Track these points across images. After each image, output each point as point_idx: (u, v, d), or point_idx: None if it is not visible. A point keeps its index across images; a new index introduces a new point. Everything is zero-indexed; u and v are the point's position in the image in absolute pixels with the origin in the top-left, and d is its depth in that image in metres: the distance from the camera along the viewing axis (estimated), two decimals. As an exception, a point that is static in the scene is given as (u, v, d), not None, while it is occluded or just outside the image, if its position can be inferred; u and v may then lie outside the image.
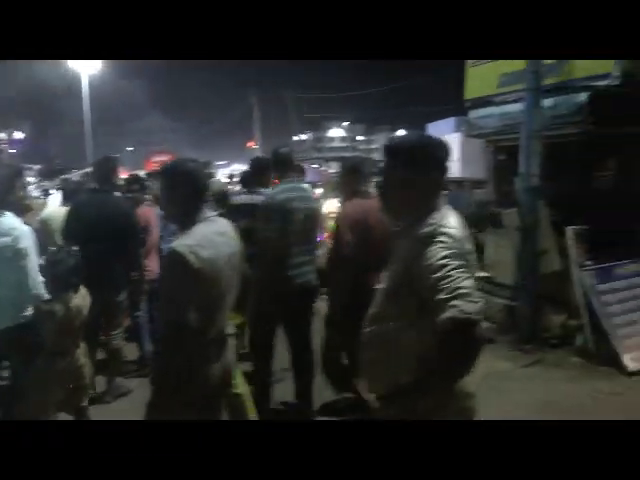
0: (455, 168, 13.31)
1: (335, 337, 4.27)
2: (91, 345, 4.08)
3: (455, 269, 1.85)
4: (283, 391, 4.64)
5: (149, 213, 5.62)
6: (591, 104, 6.06)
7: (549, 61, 6.38)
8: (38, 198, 9.79)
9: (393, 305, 2.11)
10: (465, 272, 1.87)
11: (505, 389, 4.99)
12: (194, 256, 2.39)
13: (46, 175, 17.28)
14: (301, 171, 8.82)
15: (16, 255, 3.57)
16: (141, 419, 2.52)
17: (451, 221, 2.06)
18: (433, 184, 2.14)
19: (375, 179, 4.02)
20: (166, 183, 2.72)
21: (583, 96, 6.16)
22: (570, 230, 5.97)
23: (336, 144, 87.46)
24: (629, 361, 5.43)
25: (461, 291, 1.80)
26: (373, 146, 72.19)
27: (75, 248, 3.70)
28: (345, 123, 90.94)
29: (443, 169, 2.17)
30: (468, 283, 1.84)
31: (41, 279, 3.68)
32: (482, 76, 7.92)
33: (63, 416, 3.75)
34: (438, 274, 1.85)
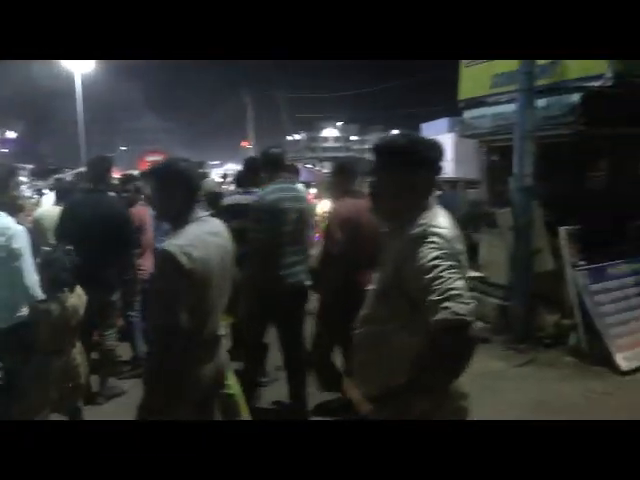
0: (449, 168, 13.39)
1: (325, 336, 4.28)
2: (85, 345, 4.07)
3: (446, 270, 1.83)
4: (277, 391, 4.64)
5: (143, 213, 5.61)
6: (584, 105, 6.09)
7: (542, 62, 6.41)
8: (31, 198, 9.75)
9: (384, 306, 2.10)
10: (456, 273, 1.85)
11: (499, 388, 5.00)
12: (186, 256, 2.38)
13: (39, 175, 17.21)
14: (295, 171, 8.82)
15: (10, 255, 3.55)
16: (135, 420, 2.52)
17: (442, 221, 2.04)
18: (423, 184, 2.12)
19: (366, 179, 4.03)
20: (158, 183, 2.70)
21: (576, 97, 6.19)
22: (563, 230, 6.00)
23: (330, 144, 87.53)
24: (622, 360, 5.46)
25: (453, 292, 1.78)
26: (367, 146, 72.06)
27: (69, 247, 3.68)
28: (339, 123, 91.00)
29: (433, 169, 2.15)
30: (460, 284, 1.82)
31: (36, 279, 3.67)
32: (476, 77, 7.94)
33: (56, 416, 3.74)
34: (429, 275, 1.83)
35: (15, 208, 4.51)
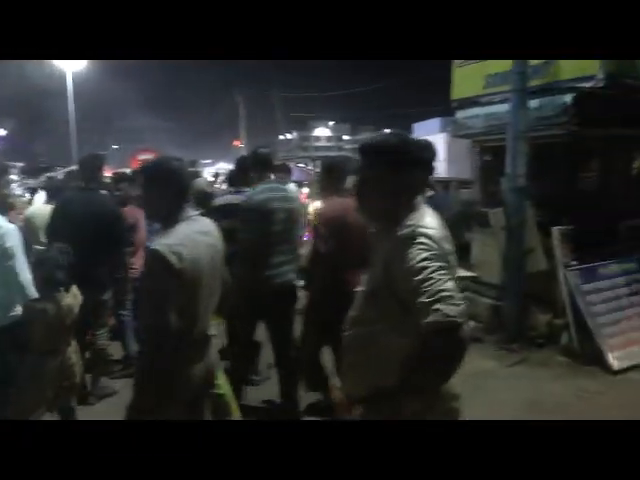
0: (441, 168, 13.39)
1: (312, 336, 4.27)
2: (79, 344, 4.04)
3: (436, 271, 1.82)
4: (269, 389, 4.64)
5: (136, 211, 5.58)
6: (576, 105, 6.10)
7: (535, 62, 6.43)
8: (22, 196, 9.70)
9: (373, 308, 2.08)
10: (446, 274, 1.84)
11: (491, 388, 5.02)
12: (175, 256, 2.37)
13: (30, 173, 17.12)
14: (287, 170, 8.81)
15: (3, 254, 3.53)
16: (126, 420, 2.50)
17: (430, 222, 2.03)
18: (410, 184, 2.10)
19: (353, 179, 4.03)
20: (148, 181, 2.68)
21: (568, 97, 6.20)
22: (556, 230, 6.02)
23: (322, 143, 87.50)
24: (613, 360, 5.49)
25: (443, 294, 1.77)
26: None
27: (64, 246, 3.66)
28: (331, 122, 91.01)
29: (420, 169, 2.14)
30: (450, 285, 1.81)
31: (30, 277, 3.65)
32: (468, 77, 7.94)
33: (49, 416, 3.72)
34: (419, 277, 1.82)
35: (6, 206, 4.49)
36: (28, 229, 5.34)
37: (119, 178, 6.38)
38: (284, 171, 8.70)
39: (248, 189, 4.68)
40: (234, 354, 4.29)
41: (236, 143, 41.76)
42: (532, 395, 4.93)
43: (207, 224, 2.73)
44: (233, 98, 38.31)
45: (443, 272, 1.84)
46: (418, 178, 2.13)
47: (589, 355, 5.63)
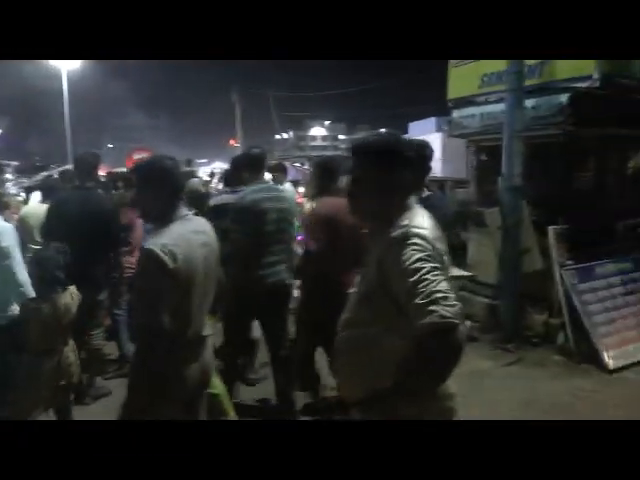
0: (436, 168, 13.39)
1: (305, 335, 4.27)
2: (76, 344, 4.03)
3: (430, 272, 1.81)
4: (264, 388, 4.65)
5: (133, 211, 5.56)
6: (572, 105, 6.12)
7: (531, 62, 6.44)
8: (16, 195, 9.66)
9: (367, 309, 2.07)
10: (440, 274, 1.83)
11: (487, 387, 5.03)
12: (169, 255, 2.36)
13: (25, 172, 17.07)
14: (283, 170, 8.80)
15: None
16: (121, 420, 2.50)
17: (423, 222, 2.02)
18: (402, 184, 2.08)
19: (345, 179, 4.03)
20: (141, 181, 2.67)
21: (564, 97, 6.21)
22: (552, 230, 6.03)
23: (318, 143, 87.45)
24: (609, 359, 5.51)
25: (438, 295, 1.75)
26: (355, 145, 71.88)
27: (61, 245, 3.65)
28: (327, 122, 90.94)
29: (412, 169, 2.11)
30: (444, 286, 1.80)
31: (26, 277, 3.63)
32: (464, 76, 7.95)
33: (45, 416, 3.70)
34: (413, 278, 1.80)
35: (1, 206, 4.46)
36: (23, 229, 5.32)
37: (116, 177, 6.35)
38: (280, 170, 8.69)
39: (244, 189, 4.68)
40: (227, 353, 4.28)
41: (232, 142, 41.63)
42: (528, 394, 4.93)
43: (201, 223, 2.73)
44: (229, 97, 38.17)
45: (437, 273, 1.83)
46: (411, 178, 2.11)
47: (585, 354, 5.64)
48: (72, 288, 3.67)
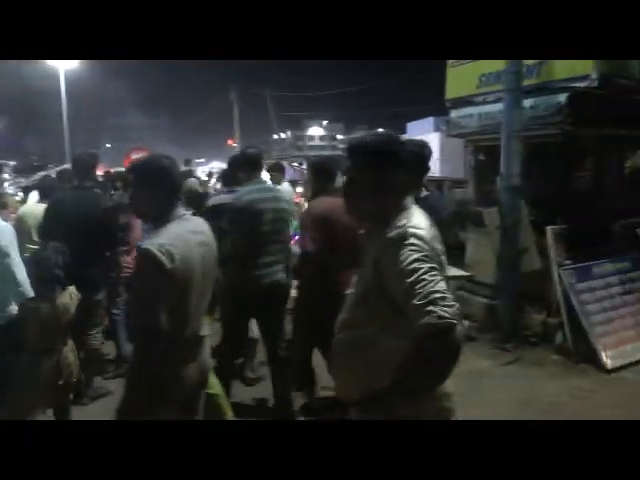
0: (435, 167, 13.40)
1: (302, 335, 4.27)
2: (76, 344, 4.03)
3: (428, 272, 1.80)
4: (263, 388, 4.66)
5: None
6: (570, 105, 6.12)
7: (529, 62, 6.44)
8: (14, 195, 9.65)
9: (364, 310, 2.06)
10: (438, 275, 1.82)
11: (485, 387, 5.03)
12: (166, 255, 2.34)
13: (23, 171, 17.04)
14: (281, 169, 8.79)
15: None
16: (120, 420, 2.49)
17: (420, 222, 2.01)
18: (398, 184, 2.07)
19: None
20: (138, 180, 2.65)
21: (562, 97, 6.21)
22: (550, 229, 6.04)
23: (316, 142, 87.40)
24: (607, 359, 5.51)
25: (436, 295, 1.75)
26: (353, 145, 71.77)
27: (60, 245, 3.65)
28: (325, 122, 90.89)
29: (408, 169, 2.10)
30: (442, 286, 1.79)
31: (25, 276, 3.63)
32: (462, 76, 7.95)
33: (43, 416, 3.70)
34: (411, 278, 1.79)
35: (-2, 205, 4.45)
36: (20, 228, 5.30)
37: (115, 177, 6.35)
38: (278, 170, 8.68)
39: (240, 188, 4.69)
40: (224, 353, 4.29)
41: (230, 142, 41.64)
42: (526, 394, 4.94)
43: (199, 223, 2.72)
44: (227, 97, 38.19)
45: (435, 273, 1.82)
46: (406, 178, 2.10)
47: (583, 354, 5.65)
48: (71, 288, 3.67)
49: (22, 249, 3.80)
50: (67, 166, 9.24)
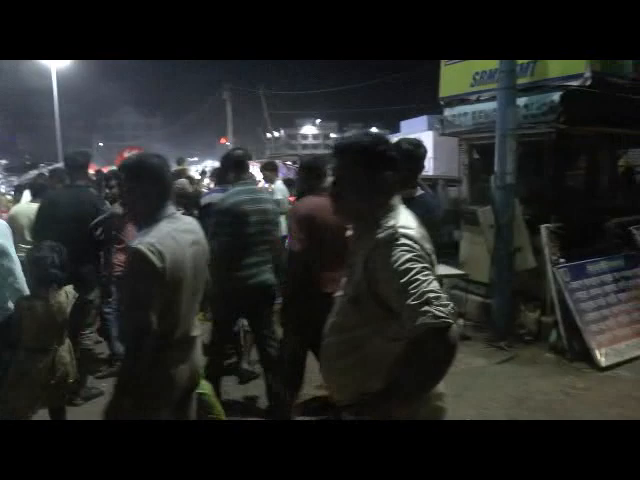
0: (428, 166, 13.41)
1: (292, 336, 4.26)
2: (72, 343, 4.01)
3: (420, 272, 1.79)
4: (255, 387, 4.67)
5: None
6: (564, 103, 6.13)
7: (522, 60, 6.44)
8: (6, 194, 9.59)
9: (354, 312, 2.03)
10: (430, 274, 1.81)
11: (480, 385, 5.04)
12: (156, 255, 2.32)
13: (15, 170, 16.96)
14: (274, 168, 8.77)
15: None
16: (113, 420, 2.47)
17: (408, 222, 1.99)
18: (384, 184, 2.05)
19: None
20: (128, 179, 2.62)
21: (556, 95, 6.22)
22: (544, 228, 6.05)
23: (309, 141, 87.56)
24: (601, 357, 5.53)
25: (430, 295, 1.74)
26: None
27: (55, 244, 3.63)
28: (318, 120, 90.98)
29: (396, 168, 2.08)
30: (435, 285, 1.78)
31: (22, 274, 3.61)
32: (456, 74, 7.95)
33: (37, 417, 3.67)
34: (404, 279, 1.78)
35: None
36: (12, 228, 5.27)
37: (110, 175, 6.31)
38: (271, 169, 8.66)
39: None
40: (212, 352, 4.28)
41: (223, 141, 41.56)
42: (521, 392, 4.95)
43: (190, 222, 2.70)
44: (220, 96, 38.11)
45: (428, 272, 1.81)
46: (397, 178, 2.08)
47: (577, 352, 5.66)
48: (68, 287, 3.66)
49: (15, 249, 3.77)
50: (59, 165, 9.20)
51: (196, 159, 50.57)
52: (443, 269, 5.78)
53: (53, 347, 3.56)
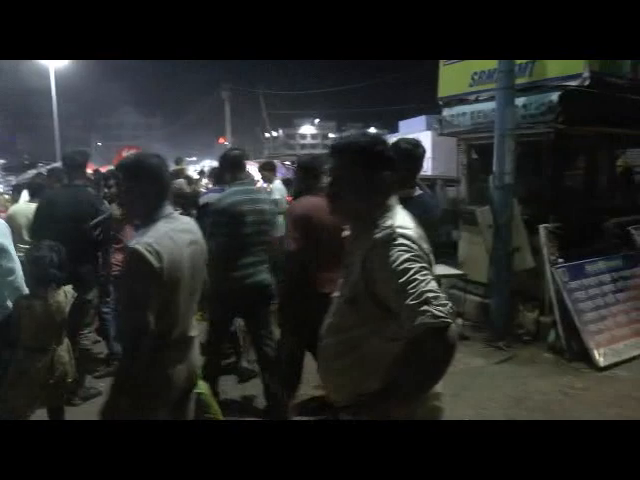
0: (427, 166, 13.41)
1: (289, 336, 4.26)
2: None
3: (419, 272, 1.79)
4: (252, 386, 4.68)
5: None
6: (562, 103, 6.13)
7: (521, 60, 6.44)
8: (4, 194, 9.58)
9: (352, 313, 2.03)
10: (429, 274, 1.81)
11: (478, 385, 5.04)
12: (154, 254, 2.32)
13: (12, 170, 16.93)
14: (272, 168, 8.76)
15: None
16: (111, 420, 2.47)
17: (406, 222, 2.00)
18: (380, 184, 2.05)
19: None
20: (126, 178, 2.62)
21: (554, 95, 6.22)
22: (542, 228, 6.05)
23: (308, 141, 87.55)
24: (599, 357, 5.53)
25: (429, 295, 1.73)
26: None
27: (54, 243, 3.63)
28: (316, 120, 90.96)
29: (394, 168, 2.08)
30: (434, 285, 1.78)
31: (21, 273, 3.61)
32: (455, 75, 7.94)
33: (36, 416, 3.67)
34: (402, 279, 1.78)
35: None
36: (10, 227, 5.26)
37: (109, 175, 6.31)
38: (269, 169, 8.65)
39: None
40: (209, 351, 4.28)
41: (221, 140, 41.53)
42: (519, 392, 4.95)
43: (187, 222, 2.69)
44: (219, 95, 38.10)
45: (426, 272, 1.81)
46: (395, 178, 2.08)
47: (575, 352, 5.66)
48: (67, 287, 3.66)
49: (15, 248, 3.77)
50: (58, 164, 9.18)
51: (194, 159, 50.54)
52: (441, 269, 5.79)
53: (52, 347, 3.56)
